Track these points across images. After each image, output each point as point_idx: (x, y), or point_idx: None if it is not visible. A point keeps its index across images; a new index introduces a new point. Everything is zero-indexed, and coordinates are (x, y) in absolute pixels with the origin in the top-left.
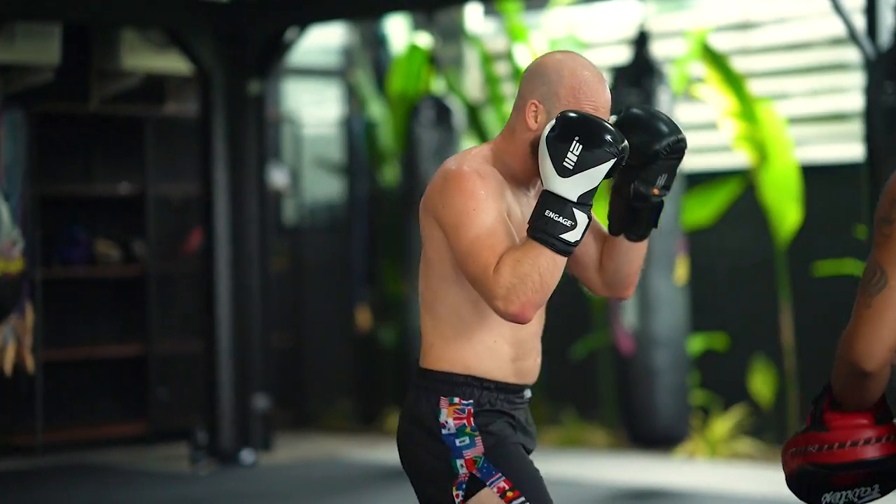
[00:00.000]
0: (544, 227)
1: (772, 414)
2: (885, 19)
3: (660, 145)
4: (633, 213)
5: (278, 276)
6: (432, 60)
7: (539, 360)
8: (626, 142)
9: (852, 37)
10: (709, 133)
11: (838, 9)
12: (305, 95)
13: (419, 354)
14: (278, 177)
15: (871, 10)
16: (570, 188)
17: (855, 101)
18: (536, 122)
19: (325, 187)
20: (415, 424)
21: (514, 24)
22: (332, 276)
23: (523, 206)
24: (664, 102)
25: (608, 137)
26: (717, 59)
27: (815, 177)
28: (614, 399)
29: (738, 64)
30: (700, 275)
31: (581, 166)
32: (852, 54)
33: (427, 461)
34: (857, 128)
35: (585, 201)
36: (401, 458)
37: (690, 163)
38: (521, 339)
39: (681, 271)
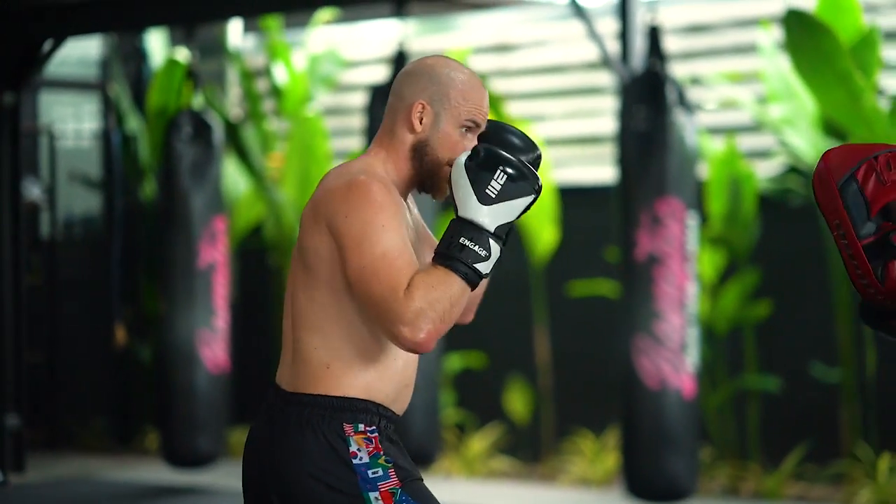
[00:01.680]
0: (458, 255)
1: (527, 432)
2: (637, 45)
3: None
4: None
5: (33, 291)
6: (192, 75)
7: (411, 392)
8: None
9: (606, 61)
10: None
11: (593, 33)
12: (63, 108)
13: (289, 377)
14: (33, 190)
15: (624, 36)
16: (490, 217)
17: (609, 124)
18: (421, 123)
19: (82, 201)
20: (312, 458)
21: (275, 42)
22: (89, 292)
23: (415, 211)
24: None
25: (531, 172)
26: None
27: (571, 198)
28: None
29: (497, 85)
30: None
31: (504, 196)
32: (607, 78)
33: (330, 499)
34: (610, 151)
35: (501, 234)
36: (288, 499)
37: None
38: (413, 362)
39: None
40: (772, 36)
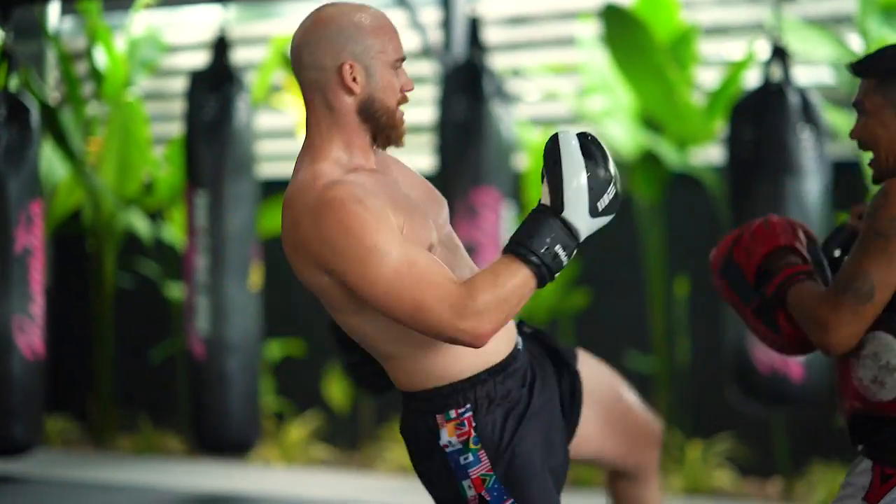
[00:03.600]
0: (551, 262)
1: (346, 420)
2: (459, 34)
3: None
4: None
5: None
6: (7, 56)
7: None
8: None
9: (428, 51)
10: (288, 141)
11: (416, 23)
12: None
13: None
14: None
15: (446, 25)
16: (588, 229)
17: (431, 113)
18: (357, 82)
19: None
20: (417, 456)
21: (95, 24)
22: None
23: (390, 171)
24: (243, 110)
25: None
26: None
27: None
28: (188, 405)
29: None
30: (279, 282)
31: (607, 211)
32: (429, 68)
33: (442, 486)
34: (431, 140)
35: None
36: (430, 488)
37: (268, 170)
38: None
39: (256, 278)
40: (591, 29)
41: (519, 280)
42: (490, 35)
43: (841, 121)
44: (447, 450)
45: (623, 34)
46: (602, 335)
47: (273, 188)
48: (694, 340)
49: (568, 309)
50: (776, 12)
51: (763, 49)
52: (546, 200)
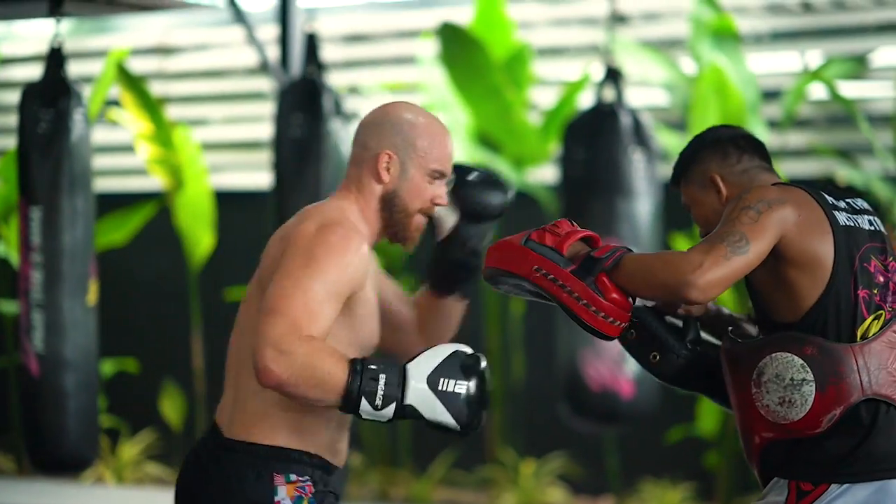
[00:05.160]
0: (364, 380)
1: (181, 438)
2: (297, 51)
3: (502, 204)
4: (465, 271)
5: None
6: None
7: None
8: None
9: (266, 67)
10: (124, 156)
11: (253, 39)
12: None
13: (228, 421)
14: None
15: (283, 42)
16: (418, 397)
17: (269, 130)
18: (389, 173)
19: None
20: (237, 500)
21: None
22: None
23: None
24: (79, 123)
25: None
26: (133, 82)
27: (229, 203)
28: (21, 423)
29: (156, 88)
30: (112, 298)
31: (447, 402)
32: (267, 84)
33: None
34: (268, 156)
35: (404, 413)
36: None
37: (105, 185)
38: (342, 418)
39: (92, 294)
40: (430, 48)
41: (333, 369)
42: (328, 52)
43: (673, 142)
44: None
45: (460, 53)
46: None
47: (110, 203)
48: (528, 358)
49: None
50: (610, 34)
51: (597, 70)
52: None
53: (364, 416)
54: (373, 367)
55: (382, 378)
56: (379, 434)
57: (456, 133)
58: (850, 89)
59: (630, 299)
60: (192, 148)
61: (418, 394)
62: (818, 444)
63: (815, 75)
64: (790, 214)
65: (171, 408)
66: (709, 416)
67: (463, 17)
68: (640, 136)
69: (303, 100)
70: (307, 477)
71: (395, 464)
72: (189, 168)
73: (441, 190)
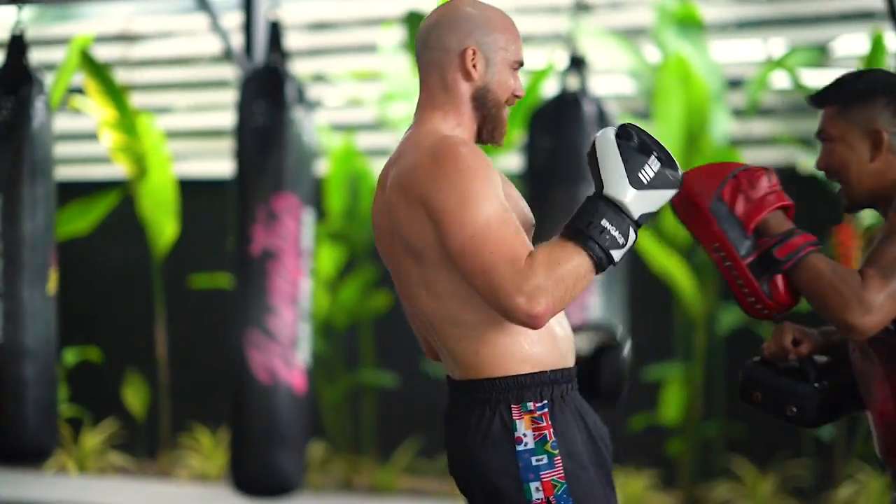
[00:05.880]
0: (598, 237)
1: (144, 427)
2: (260, 39)
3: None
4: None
5: None
6: None
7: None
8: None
9: (230, 55)
10: (88, 143)
11: (217, 27)
12: None
13: (452, 368)
14: None
15: (248, 29)
16: (638, 203)
17: (232, 118)
18: (476, 69)
19: None
20: (478, 445)
21: None
22: None
23: None
24: (40, 111)
25: (677, 164)
26: (97, 70)
27: (192, 191)
28: None
29: (120, 76)
30: (76, 286)
31: (656, 184)
32: (231, 72)
33: (498, 484)
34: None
35: (643, 222)
36: (468, 480)
37: (67, 173)
38: (562, 317)
39: (52, 283)
40: (394, 36)
41: (574, 261)
42: (292, 40)
43: None
44: (518, 445)
45: None
46: (401, 340)
47: (71, 191)
48: None
49: (367, 314)
50: (574, 22)
51: (562, 59)
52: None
53: (619, 259)
54: (591, 224)
55: (606, 223)
56: (342, 422)
57: None
58: (812, 78)
59: (797, 298)
60: (155, 136)
61: (637, 203)
62: None
63: (778, 64)
64: None
65: (134, 397)
66: (672, 403)
67: (428, 5)
68: (604, 124)
69: (266, 88)
70: (546, 401)
71: (359, 452)
72: (153, 156)
73: (519, 82)
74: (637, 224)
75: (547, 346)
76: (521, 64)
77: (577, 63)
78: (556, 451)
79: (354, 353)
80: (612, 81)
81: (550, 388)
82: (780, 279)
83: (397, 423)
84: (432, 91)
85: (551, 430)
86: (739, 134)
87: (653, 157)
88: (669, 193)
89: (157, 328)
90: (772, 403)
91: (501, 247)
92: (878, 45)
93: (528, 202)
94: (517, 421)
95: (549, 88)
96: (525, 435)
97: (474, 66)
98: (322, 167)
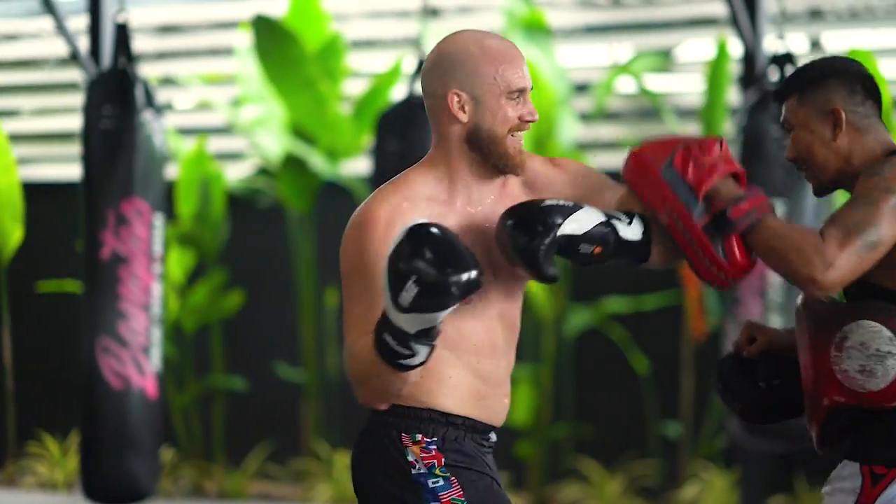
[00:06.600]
0: (381, 350)
1: None
2: (108, 42)
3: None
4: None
5: None
6: None
7: (508, 400)
8: (473, 272)
9: (76, 57)
10: None
11: (62, 29)
12: None
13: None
14: None
15: (94, 32)
16: (406, 323)
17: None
18: (464, 111)
19: None
20: (380, 464)
21: None
22: None
23: (487, 203)
24: None
25: (451, 280)
26: None
27: (40, 196)
28: None
29: None
30: None
31: (416, 308)
32: (79, 75)
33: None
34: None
35: (426, 335)
36: (368, 498)
37: None
38: (487, 373)
39: None
40: (247, 40)
41: (367, 346)
42: (141, 43)
43: None
44: (412, 469)
45: (274, 45)
46: (252, 343)
47: None
48: (343, 351)
49: (218, 314)
50: (423, 27)
51: (411, 63)
52: None
53: (420, 362)
54: (379, 337)
55: (388, 338)
56: (192, 428)
57: (270, 125)
58: (657, 83)
59: (753, 261)
60: (0, 140)
61: (406, 321)
62: (893, 426)
63: (623, 69)
64: None
65: None
66: (521, 405)
67: (277, 8)
68: None
69: (114, 91)
70: (436, 438)
71: (209, 457)
72: None
73: (524, 107)
74: (418, 336)
75: (455, 394)
76: (519, 90)
77: None
78: (448, 473)
79: (204, 357)
80: None
81: (445, 429)
82: (735, 241)
83: (248, 428)
84: (434, 136)
85: (440, 459)
86: (586, 138)
87: (409, 283)
88: (442, 313)
89: (3, 334)
90: (724, 398)
91: (354, 304)
92: (721, 50)
93: None
94: (407, 448)
95: (399, 92)
96: (417, 461)
97: (462, 109)
98: (172, 171)
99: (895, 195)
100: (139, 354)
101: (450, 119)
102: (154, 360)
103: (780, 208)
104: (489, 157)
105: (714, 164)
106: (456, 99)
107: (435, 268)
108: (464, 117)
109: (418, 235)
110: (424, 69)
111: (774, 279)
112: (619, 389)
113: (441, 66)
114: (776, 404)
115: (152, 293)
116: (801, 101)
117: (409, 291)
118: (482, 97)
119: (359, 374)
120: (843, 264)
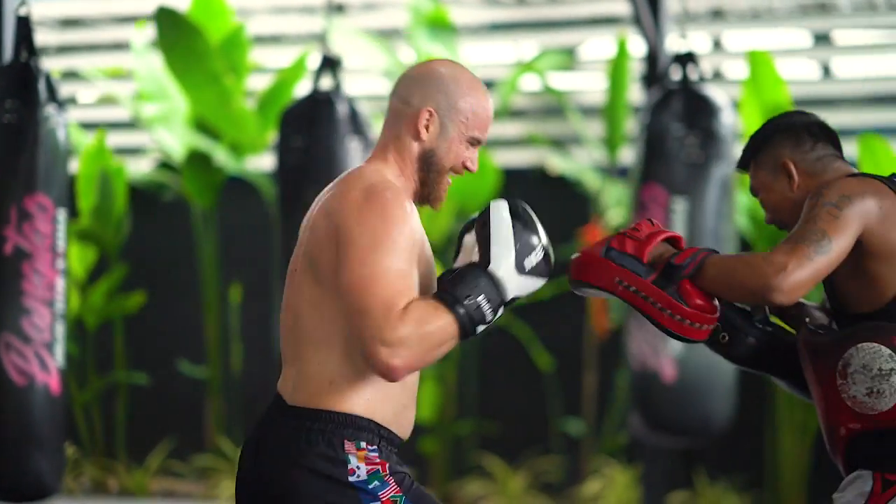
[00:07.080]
0: (473, 311)
1: None
2: (8, 35)
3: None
4: None
5: None
6: None
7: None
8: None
9: None
10: None
11: None
12: None
13: (291, 390)
14: None
15: None
16: (516, 287)
17: None
18: (428, 132)
19: None
20: (308, 470)
21: None
22: None
23: None
24: None
25: (551, 255)
26: None
27: None
28: None
29: None
30: None
31: (535, 272)
32: None
33: None
34: None
35: (510, 305)
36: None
37: None
38: (411, 385)
39: None
40: (148, 34)
41: (442, 323)
42: (42, 37)
43: None
44: (351, 476)
45: (177, 39)
46: (154, 340)
47: None
48: (247, 348)
49: (119, 314)
50: (328, 22)
51: (315, 58)
52: (474, 258)
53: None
54: (469, 297)
55: (483, 299)
56: (93, 425)
57: (173, 120)
58: (562, 81)
59: (715, 302)
60: None
61: (516, 287)
62: None
63: (528, 67)
64: (872, 206)
65: None
66: (425, 402)
67: (181, 2)
68: (356, 124)
69: (16, 85)
70: (376, 447)
71: (111, 455)
72: None
73: (474, 155)
74: (506, 305)
75: (388, 407)
76: (479, 141)
77: (331, 63)
78: (387, 474)
79: (106, 354)
80: (367, 82)
81: (380, 440)
82: (687, 284)
83: (150, 425)
84: (387, 137)
85: (384, 465)
86: (491, 135)
87: (539, 247)
88: (541, 283)
89: None
90: (716, 330)
91: (384, 293)
92: (622, 48)
93: (279, 202)
94: (350, 455)
95: (303, 88)
96: (358, 468)
97: (427, 128)
98: (73, 166)
99: (833, 205)
100: (43, 350)
101: (413, 132)
102: (58, 357)
103: (682, 206)
104: (425, 183)
105: (650, 233)
106: (427, 116)
107: (547, 242)
108: (425, 136)
109: (526, 211)
110: (409, 76)
111: None
112: (522, 386)
113: (428, 81)
114: (764, 352)
115: (56, 289)
116: (756, 165)
117: (537, 255)
118: (449, 127)
119: (421, 339)
120: (795, 268)
